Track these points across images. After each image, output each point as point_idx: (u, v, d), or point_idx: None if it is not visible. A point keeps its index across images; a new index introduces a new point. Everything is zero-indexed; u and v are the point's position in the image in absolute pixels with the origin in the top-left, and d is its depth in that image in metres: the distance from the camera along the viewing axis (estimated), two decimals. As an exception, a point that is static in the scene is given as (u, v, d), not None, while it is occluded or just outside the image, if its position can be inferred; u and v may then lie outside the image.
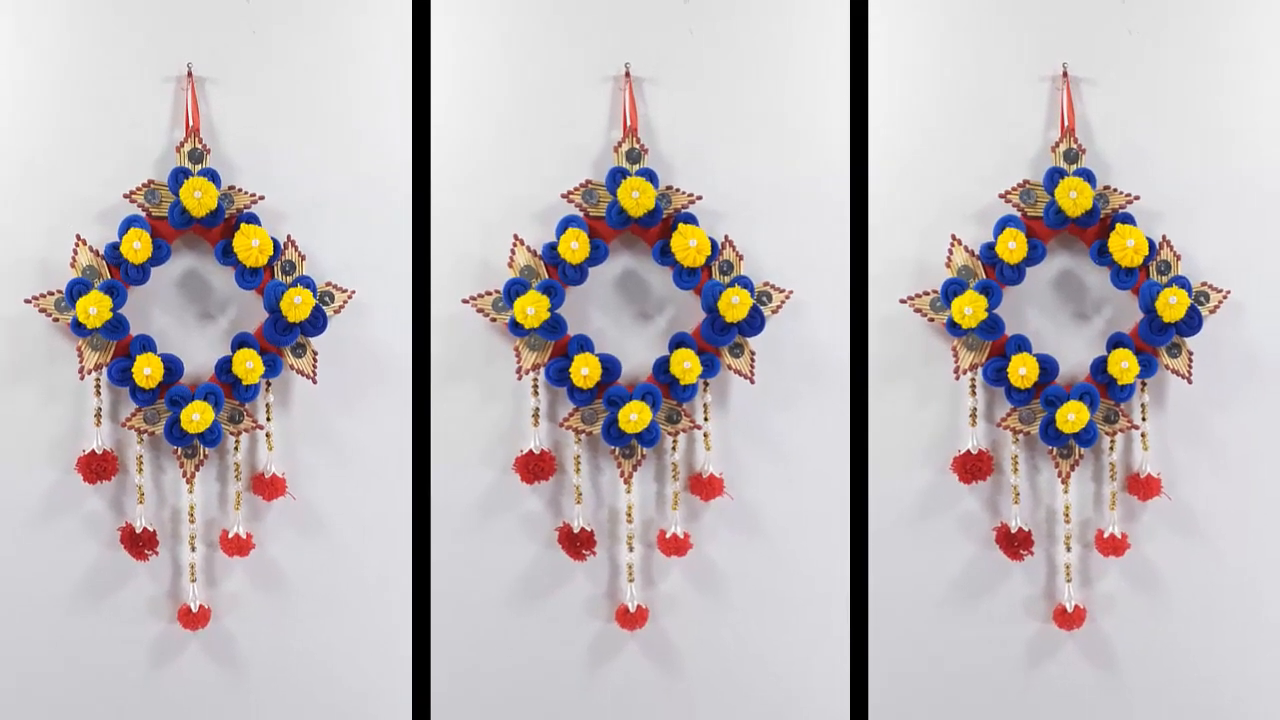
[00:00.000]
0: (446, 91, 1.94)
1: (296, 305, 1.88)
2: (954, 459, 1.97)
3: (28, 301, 1.87)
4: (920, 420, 1.98)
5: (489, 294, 1.92)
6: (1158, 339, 1.93)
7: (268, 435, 1.95)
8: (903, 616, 2.01)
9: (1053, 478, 2.00)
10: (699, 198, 1.93)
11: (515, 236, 1.92)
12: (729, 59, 1.96)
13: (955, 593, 2.01)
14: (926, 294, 1.94)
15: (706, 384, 1.97)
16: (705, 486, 1.98)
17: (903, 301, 1.94)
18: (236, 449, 1.95)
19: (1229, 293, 1.95)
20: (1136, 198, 1.93)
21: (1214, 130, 1.97)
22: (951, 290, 1.92)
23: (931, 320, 1.95)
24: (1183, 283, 1.92)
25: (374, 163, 1.95)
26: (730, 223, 1.95)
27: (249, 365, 1.90)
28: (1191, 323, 1.92)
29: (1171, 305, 1.90)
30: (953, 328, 1.93)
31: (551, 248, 1.91)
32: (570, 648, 2.02)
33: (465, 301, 1.93)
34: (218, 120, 1.91)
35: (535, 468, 1.94)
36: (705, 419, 1.98)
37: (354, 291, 1.94)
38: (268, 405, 1.95)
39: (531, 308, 1.88)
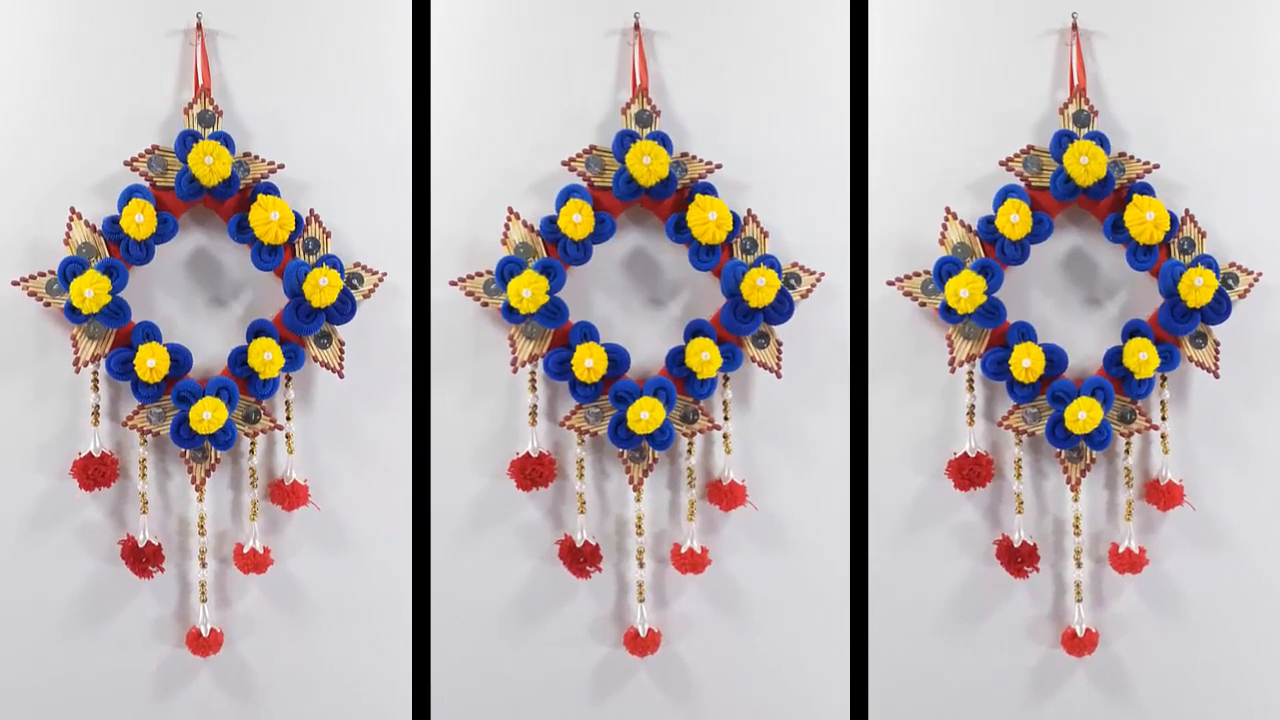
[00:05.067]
0: (439, 50, 1.90)
1: (322, 288, 1.83)
2: (949, 463, 1.93)
3: (15, 283, 1.83)
4: (910, 419, 1.94)
5: (479, 275, 1.88)
6: (1180, 327, 1.89)
7: (287, 436, 1.91)
8: (896, 640, 1.96)
9: (1061, 484, 1.96)
10: (718, 166, 1.90)
11: (510, 209, 1.88)
12: (752, 10, 1.93)
13: (951, 614, 1.97)
14: (917, 275, 1.90)
15: (726, 378, 1.93)
16: (725, 494, 1.93)
17: (890, 284, 1.90)
18: (252, 452, 1.90)
19: (1260, 274, 1.92)
20: (1156, 166, 1.90)
21: (1243, 91, 1.94)
22: (946, 270, 1.88)
23: (923, 305, 1.90)
24: (1209, 263, 1.88)
25: (402, 129, 1.91)
26: (754, 195, 1.92)
27: (267, 357, 1.84)
28: (1219, 308, 1.89)
29: (1196, 288, 1.86)
30: (947, 313, 1.88)
31: (551, 222, 1.87)
32: (573, 675, 1.97)
33: (453, 284, 1.89)
34: (231, 79, 1.88)
35: (533, 473, 1.90)
36: (725, 418, 1.94)
37: (385, 273, 1.90)
38: (288, 402, 1.91)
39: (528, 290, 1.84)
